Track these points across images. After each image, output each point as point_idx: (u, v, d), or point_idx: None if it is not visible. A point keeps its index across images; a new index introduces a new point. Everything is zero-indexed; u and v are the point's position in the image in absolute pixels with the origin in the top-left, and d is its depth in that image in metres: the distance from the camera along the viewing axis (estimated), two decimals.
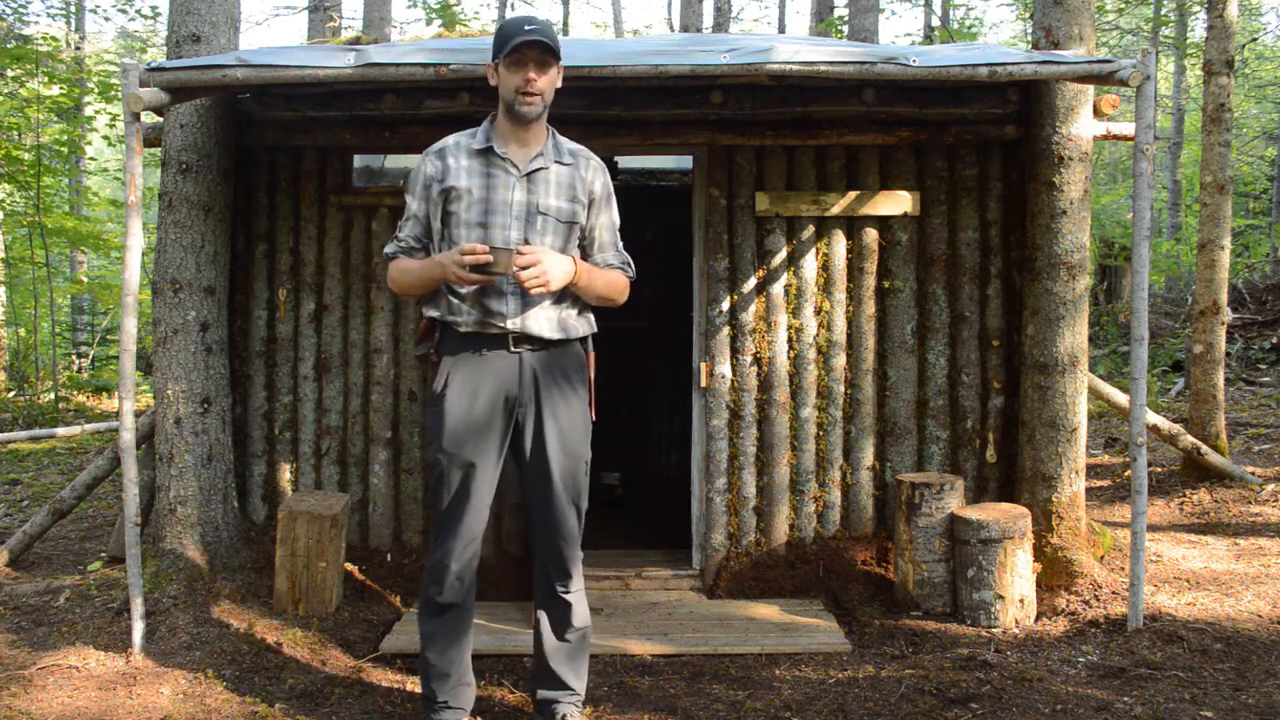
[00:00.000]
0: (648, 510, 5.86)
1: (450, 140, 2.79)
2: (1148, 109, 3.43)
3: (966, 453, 4.31)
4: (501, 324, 2.69)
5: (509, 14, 17.35)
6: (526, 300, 2.69)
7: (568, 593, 2.85)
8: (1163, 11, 16.33)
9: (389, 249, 2.82)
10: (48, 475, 7.02)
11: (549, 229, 2.73)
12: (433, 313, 2.78)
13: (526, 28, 2.61)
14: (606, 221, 2.86)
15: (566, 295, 2.76)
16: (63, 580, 4.22)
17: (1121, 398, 5.01)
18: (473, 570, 2.82)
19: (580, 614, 2.88)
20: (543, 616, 2.88)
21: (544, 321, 2.73)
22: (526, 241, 2.68)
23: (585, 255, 2.84)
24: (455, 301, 2.72)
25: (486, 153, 2.72)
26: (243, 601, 3.84)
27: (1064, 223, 4.00)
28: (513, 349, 2.73)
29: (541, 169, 2.73)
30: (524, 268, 2.54)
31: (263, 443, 4.39)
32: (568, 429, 2.78)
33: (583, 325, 2.84)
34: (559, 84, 2.76)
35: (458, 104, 3.95)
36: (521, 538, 4.18)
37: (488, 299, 2.69)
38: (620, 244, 2.91)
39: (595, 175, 2.82)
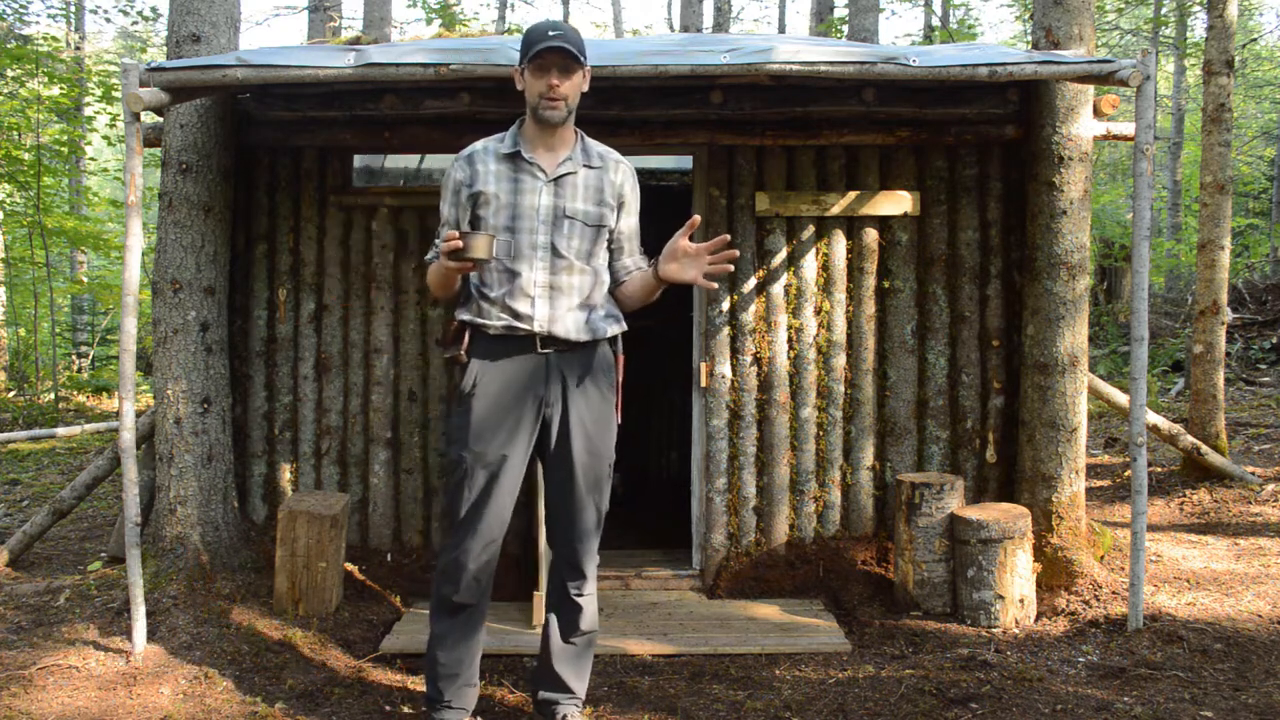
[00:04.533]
0: (648, 510, 5.86)
1: (479, 145, 2.80)
2: (1148, 109, 3.43)
3: (966, 453, 4.31)
4: (529, 326, 2.71)
5: (509, 15, 17.35)
6: (553, 303, 2.72)
7: (580, 595, 2.84)
8: (1163, 11, 16.32)
9: (428, 255, 2.84)
10: (48, 475, 7.02)
11: (575, 232, 2.75)
12: (464, 316, 2.80)
13: (550, 33, 2.63)
14: (634, 224, 2.90)
15: (594, 298, 2.79)
16: (63, 580, 4.22)
17: (1121, 398, 5.01)
18: (490, 572, 2.81)
19: (589, 618, 2.88)
20: (552, 618, 2.88)
21: (570, 324, 2.75)
22: (553, 246, 2.72)
23: (613, 258, 2.88)
24: (485, 305, 2.75)
25: (514, 157, 2.74)
26: (243, 601, 3.85)
27: (1064, 223, 4.01)
28: (540, 350, 2.74)
29: (570, 173, 2.75)
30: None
31: (263, 443, 4.39)
32: (593, 429, 2.79)
33: (612, 326, 2.85)
34: (585, 88, 2.77)
35: (458, 104, 3.95)
36: (523, 537, 4.18)
37: (515, 301, 2.71)
38: (640, 246, 2.96)
39: (624, 178, 2.84)
